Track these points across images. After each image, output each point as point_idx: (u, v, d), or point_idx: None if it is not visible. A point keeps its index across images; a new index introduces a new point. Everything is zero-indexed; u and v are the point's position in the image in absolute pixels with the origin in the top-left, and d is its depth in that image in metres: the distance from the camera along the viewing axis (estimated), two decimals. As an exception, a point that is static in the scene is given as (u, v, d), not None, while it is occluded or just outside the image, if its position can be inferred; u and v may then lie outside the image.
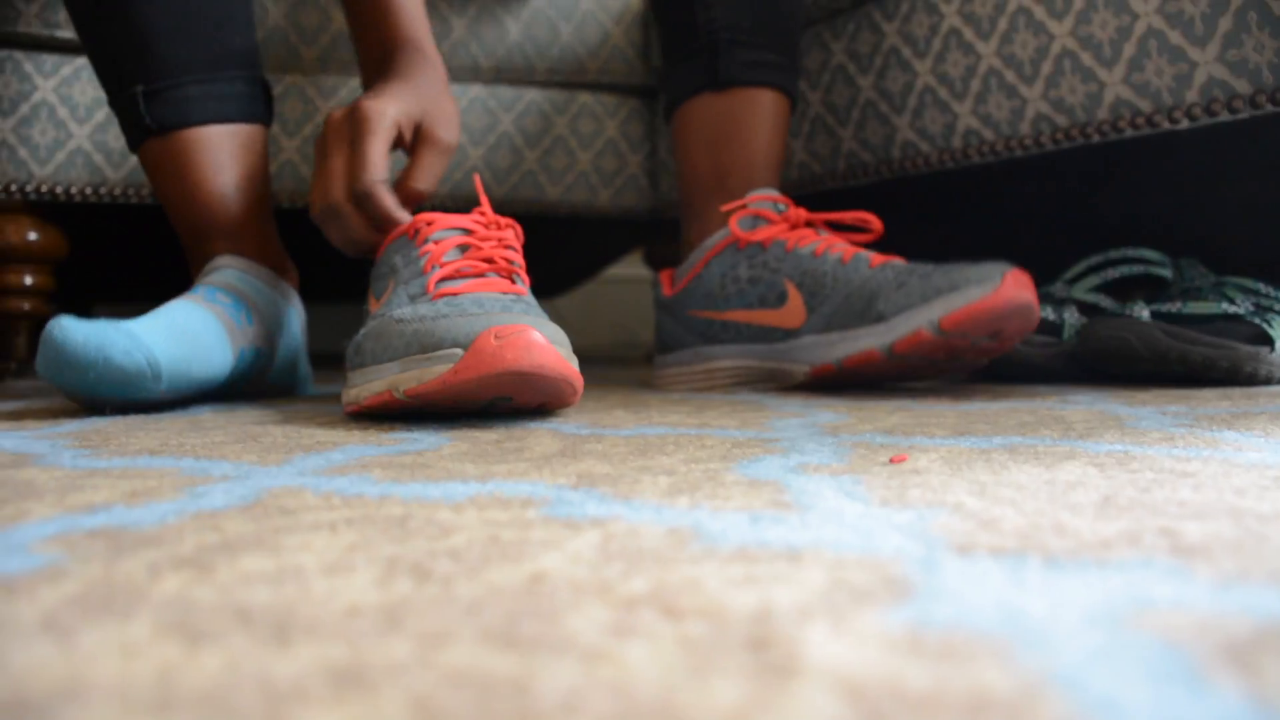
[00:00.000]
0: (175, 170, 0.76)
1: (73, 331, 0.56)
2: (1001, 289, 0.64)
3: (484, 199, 0.67)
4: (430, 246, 0.63)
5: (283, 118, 1.08)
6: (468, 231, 0.64)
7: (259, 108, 0.80)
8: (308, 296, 0.93)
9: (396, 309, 0.57)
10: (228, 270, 0.74)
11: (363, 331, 0.58)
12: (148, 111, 0.75)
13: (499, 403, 0.54)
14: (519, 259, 0.64)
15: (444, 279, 0.60)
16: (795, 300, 0.76)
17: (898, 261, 0.73)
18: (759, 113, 0.85)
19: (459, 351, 0.50)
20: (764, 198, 0.80)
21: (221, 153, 0.77)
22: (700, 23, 0.86)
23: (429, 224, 0.64)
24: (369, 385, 0.55)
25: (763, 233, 0.78)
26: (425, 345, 0.52)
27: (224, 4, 0.77)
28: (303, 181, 1.09)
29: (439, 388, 0.51)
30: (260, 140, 0.80)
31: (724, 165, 0.85)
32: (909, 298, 0.68)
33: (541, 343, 0.50)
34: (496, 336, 0.50)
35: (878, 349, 0.69)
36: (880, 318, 0.69)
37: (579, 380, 0.54)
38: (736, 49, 0.85)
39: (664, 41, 0.91)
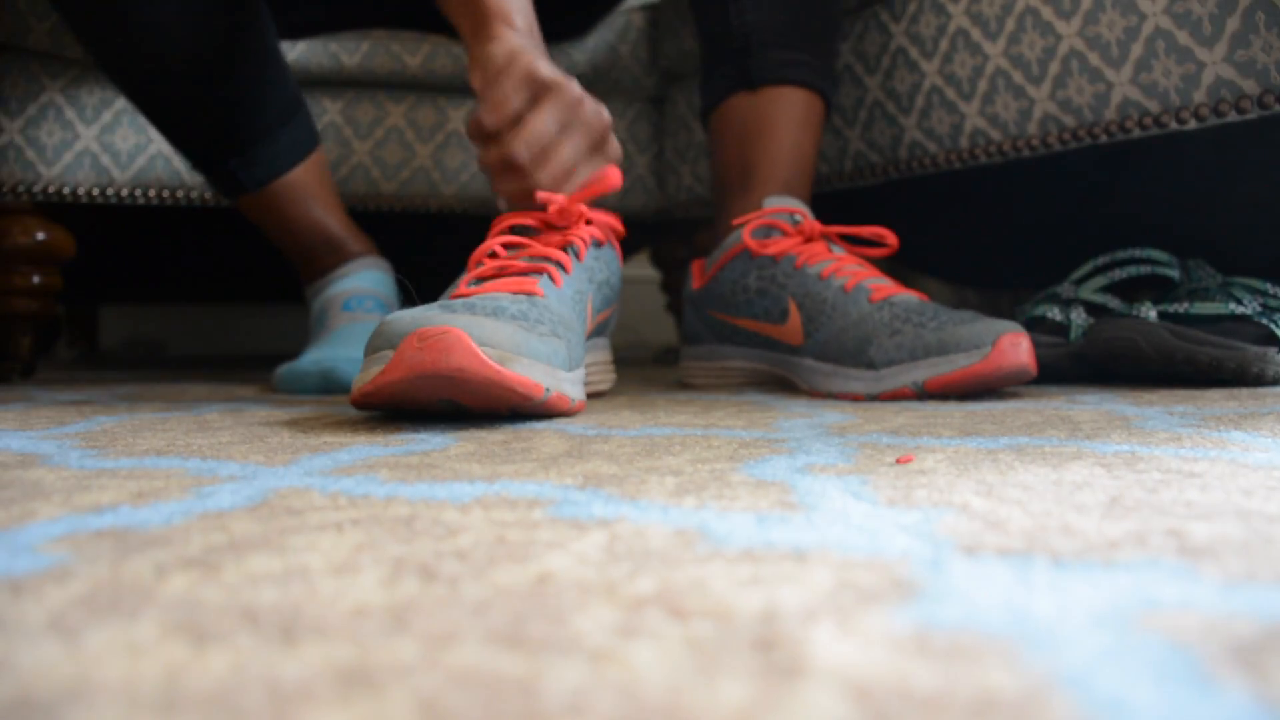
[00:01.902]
0: (277, 213, 0.90)
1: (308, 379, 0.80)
2: (991, 357, 0.63)
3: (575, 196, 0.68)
4: (485, 244, 0.65)
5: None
6: (532, 232, 0.68)
7: (315, 132, 0.93)
8: (305, 298, 0.94)
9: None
10: (355, 277, 0.91)
11: None
12: (246, 178, 0.87)
13: (451, 404, 0.53)
14: (566, 259, 0.65)
15: (479, 278, 0.62)
16: (795, 320, 0.76)
17: (900, 296, 0.72)
18: (787, 111, 0.85)
19: (390, 354, 0.50)
20: (780, 209, 0.80)
21: (309, 185, 0.90)
22: (734, 25, 0.87)
23: (497, 223, 0.68)
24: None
25: (774, 246, 0.78)
26: (371, 347, 0.53)
27: (275, 60, 0.86)
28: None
29: (373, 390, 0.51)
30: (324, 157, 0.94)
31: (749, 162, 0.85)
32: (899, 351, 0.67)
33: (465, 346, 0.49)
34: (420, 339, 0.49)
35: (864, 395, 0.69)
36: (870, 365, 0.69)
37: (530, 387, 0.52)
38: (769, 49, 0.85)
39: (701, 45, 0.92)
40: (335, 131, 1.11)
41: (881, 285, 0.74)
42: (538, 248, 0.65)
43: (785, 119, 0.85)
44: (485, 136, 0.67)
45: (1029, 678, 0.17)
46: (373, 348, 0.52)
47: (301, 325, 0.99)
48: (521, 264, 0.63)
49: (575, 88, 0.67)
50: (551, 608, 0.21)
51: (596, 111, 0.68)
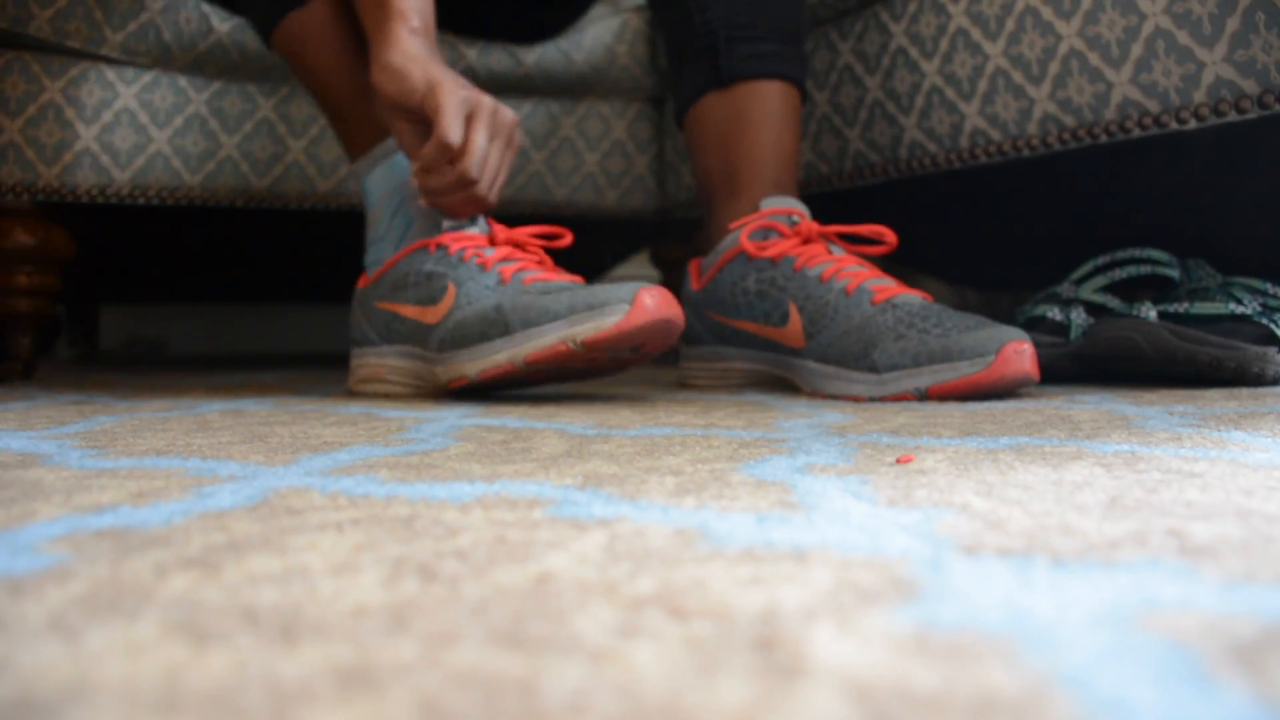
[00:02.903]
0: (296, 59, 0.83)
1: None
2: (994, 365, 0.63)
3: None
4: (487, 256, 0.74)
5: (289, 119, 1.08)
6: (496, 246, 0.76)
7: None
8: (305, 297, 0.93)
9: (501, 292, 0.70)
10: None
11: (454, 318, 0.69)
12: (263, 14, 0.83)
13: (632, 354, 0.67)
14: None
15: (519, 270, 0.72)
16: (796, 323, 0.76)
17: (902, 297, 0.72)
18: (765, 106, 0.84)
19: (625, 305, 0.63)
20: (777, 210, 0.80)
21: (326, 26, 0.82)
22: (697, 23, 0.86)
23: (460, 240, 0.76)
24: (532, 342, 0.66)
25: (772, 248, 0.78)
26: (591, 304, 0.64)
27: None
28: (308, 182, 1.10)
29: (615, 334, 0.63)
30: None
31: (732, 162, 0.84)
32: (903, 356, 0.67)
33: (671, 298, 0.65)
34: (649, 295, 0.64)
35: (867, 398, 0.69)
36: (873, 368, 0.69)
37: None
38: (736, 44, 0.84)
39: (667, 47, 0.91)
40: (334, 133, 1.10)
41: (884, 286, 0.74)
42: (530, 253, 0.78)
43: (763, 114, 0.84)
44: (440, 162, 0.72)
45: (1029, 677, 0.17)
46: (589, 305, 0.64)
47: (301, 326, 0.99)
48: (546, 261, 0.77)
49: (487, 96, 0.73)
50: (551, 608, 0.21)
51: (505, 113, 0.74)
